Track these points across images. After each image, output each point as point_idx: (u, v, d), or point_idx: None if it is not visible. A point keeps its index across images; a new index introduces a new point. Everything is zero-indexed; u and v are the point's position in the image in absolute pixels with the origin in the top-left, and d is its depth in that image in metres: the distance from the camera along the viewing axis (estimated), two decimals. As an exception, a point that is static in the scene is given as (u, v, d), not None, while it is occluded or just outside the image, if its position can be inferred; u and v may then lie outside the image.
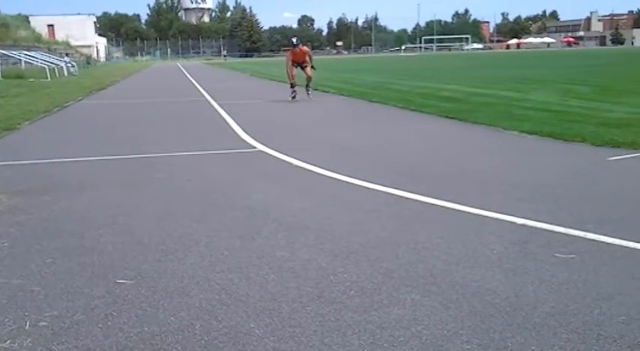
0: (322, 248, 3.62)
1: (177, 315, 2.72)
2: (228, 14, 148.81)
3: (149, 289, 3.02)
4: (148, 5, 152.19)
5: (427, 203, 4.64)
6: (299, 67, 14.99)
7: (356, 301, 2.83)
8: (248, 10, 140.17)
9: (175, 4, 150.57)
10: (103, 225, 4.23)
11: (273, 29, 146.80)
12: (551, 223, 3.97)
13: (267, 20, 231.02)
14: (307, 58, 14.92)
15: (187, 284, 3.08)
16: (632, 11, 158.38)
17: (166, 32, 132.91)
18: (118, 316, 2.73)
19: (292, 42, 14.79)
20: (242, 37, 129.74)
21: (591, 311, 2.66)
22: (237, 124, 9.91)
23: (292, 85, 14.83)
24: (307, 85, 15.05)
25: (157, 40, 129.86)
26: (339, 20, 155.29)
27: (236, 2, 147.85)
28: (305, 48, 15.01)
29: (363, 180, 5.41)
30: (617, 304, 2.73)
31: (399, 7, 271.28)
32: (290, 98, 14.67)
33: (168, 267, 3.34)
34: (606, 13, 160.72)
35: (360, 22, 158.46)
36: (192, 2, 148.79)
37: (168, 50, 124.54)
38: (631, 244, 3.52)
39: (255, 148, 7.54)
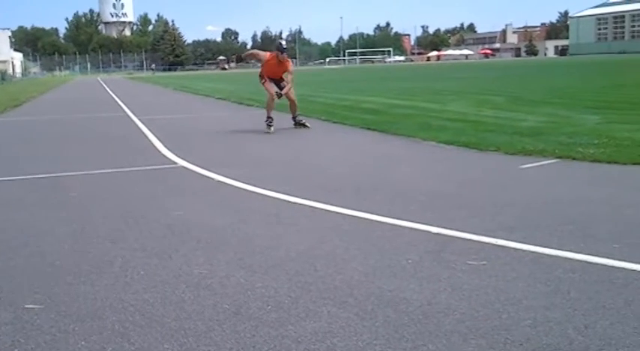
0: (241, 264, 3.60)
1: (89, 339, 2.64)
2: (150, 28, 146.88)
3: (59, 314, 2.92)
4: (67, 19, 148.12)
5: (347, 215, 4.69)
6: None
7: (273, 316, 2.83)
8: (170, 24, 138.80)
9: (95, 18, 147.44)
10: (12, 248, 4.07)
11: (196, 42, 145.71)
12: (465, 231, 4.08)
13: (190, 33, 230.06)
14: (286, 75, 10.67)
15: (100, 307, 3.00)
16: (544, 23, 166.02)
17: (86, 46, 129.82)
18: (26, 342, 2.63)
19: (280, 45, 10.85)
20: (165, 51, 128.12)
21: (499, 316, 2.75)
22: (159, 139, 9.76)
23: (270, 112, 10.60)
24: (295, 116, 10.92)
25: (76, 54, 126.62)
26: (264, 33, 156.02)
27: (158, 16, 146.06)
28: (288, 60, 10.84)
29: (283, 193, 5.42)
30: (524, 308, 2.83)
31: (323, 21, 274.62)
32: (269, 129, 10.44)
33: (81, 290, 3.24)
34: (520, 25, 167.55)
35: (284, 35, 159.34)
36: (112, 16, 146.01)
37: (89, 65, 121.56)
38: (539, 250, 3.66)
39: (176, 163, 7.44)
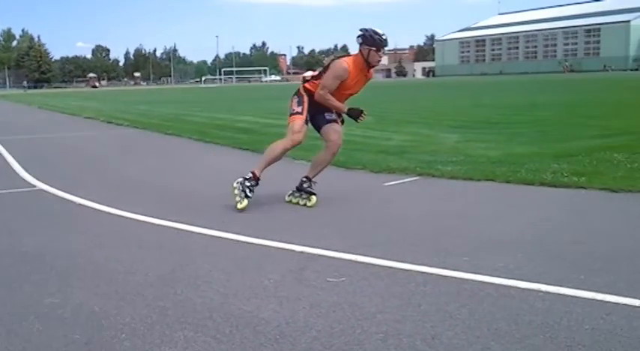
0: (97, 291, 3.47)
1: None
2: (14, 43, 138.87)
3: None
4: None
5: (213, 236, 4.66)
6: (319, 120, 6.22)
7: (126, 345, 2.74)
8: (36, 39, 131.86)
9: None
10: None
11: (65, 59, 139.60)
12: (327, 249, 4.16)
13: (58, 50, 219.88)
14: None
15: None
16: (412, 46, 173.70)
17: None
18: None
19: (377, 35, 5.59)
20: (30, 68, 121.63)
21: (354, 331, 2.82)
22: (17, 161, 9.22)
23: (264, 167, 5.79)
24: (313, 176, 5.97)
25: None
26: (137, 51, 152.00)
27: (23, 31, 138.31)
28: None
29: (148, 216, 5.29)
30: (377, 322, 2.93)
31: (198, 39, 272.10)
32: (243, 199, 5.52)
33: None
34: (390, 47, 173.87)
35: (158, 53, 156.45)
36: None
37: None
38: (396, 265, 3.80)
39: (35, 186, 7.06)
